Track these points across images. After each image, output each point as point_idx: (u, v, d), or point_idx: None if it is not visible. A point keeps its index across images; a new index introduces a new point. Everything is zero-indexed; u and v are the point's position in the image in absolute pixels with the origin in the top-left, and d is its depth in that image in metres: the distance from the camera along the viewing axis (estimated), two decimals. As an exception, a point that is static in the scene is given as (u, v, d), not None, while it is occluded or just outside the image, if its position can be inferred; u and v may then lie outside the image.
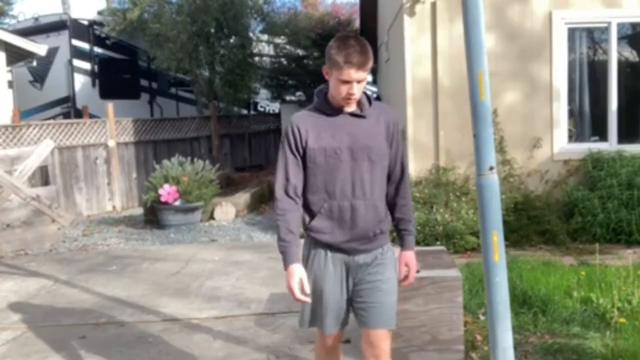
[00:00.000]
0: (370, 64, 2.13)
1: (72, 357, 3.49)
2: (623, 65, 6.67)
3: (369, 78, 7.41)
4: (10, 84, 10.67)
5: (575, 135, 6.67)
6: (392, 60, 8.22)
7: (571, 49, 6.51)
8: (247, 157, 13.24)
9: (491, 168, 2.12)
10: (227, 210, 8.19)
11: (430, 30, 6.33)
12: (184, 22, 10.90)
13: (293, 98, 14.46)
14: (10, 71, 10.88)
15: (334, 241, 2.21)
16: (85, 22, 11.60)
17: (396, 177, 2.29)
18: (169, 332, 3.80)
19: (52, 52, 10.89)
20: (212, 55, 11.72)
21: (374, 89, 13.12)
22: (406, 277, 2.34)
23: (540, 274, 4.53)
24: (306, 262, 2.25)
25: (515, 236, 5.64)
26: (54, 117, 11.01)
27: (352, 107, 2.19)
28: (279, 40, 13.66)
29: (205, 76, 12.04)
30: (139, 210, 9.01)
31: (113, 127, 9.46)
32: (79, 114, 10.63)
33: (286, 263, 2.16)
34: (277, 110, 15.11)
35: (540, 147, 6.36)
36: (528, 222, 5.80)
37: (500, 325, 2.14)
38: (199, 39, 11.26)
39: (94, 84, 11.62)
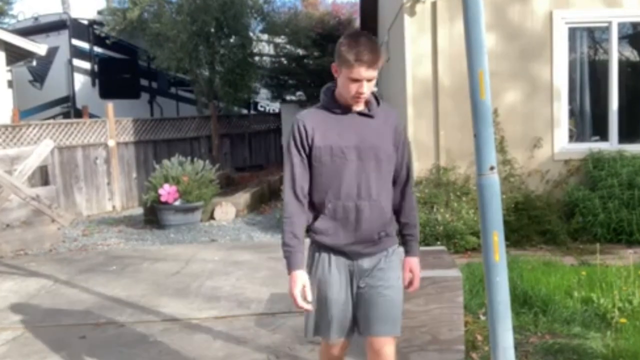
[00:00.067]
0: (381, 63, 2.10)
1: (72, 357, 3.48)
2: (624, 65, 6.66)
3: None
4: (10, 84, 10.66)
5: (576, 135, 6.66)
6: (393, 60, 8.21)
7: (572, 48, 6.50)
8: (247, 157, 13.24)
9: (492, 168, 2.11)
10: (227, 210, 8.18)
11: (431, 30, 6.32)
12: (184, 21, 10.90)
13: (293, 98, 14.46)
14: (10, 71, 10.87)
15: (337, 243, 2.16)
16: (85, 22, 11.59)
17: (402, 181, 2.26)
18: (169, 332, 3.80)
19: (52, 51, 10.89)
20: (212, 54, 11.71)
21: (375, 88, 13.11)
22: (411, 283, 2.30)
23: (540, 274, 4.52)
24: (310, 268, 2.21)
25: (515, 236, 5.63)
26: (53, 117, 11.01)
27: (360, 106, 2.15)
28: (279, 39, 13.66)
29: (205, 76, 12.04)
30: (139, 210, 9.01)
31: (113, 127, 9.45)
32: (78, 113, 10.62)
33: (290, 269, 2.13)
34: (277, 110, 15.11)
35: (541, 147, 6.35)
36: (529, 222, 5.79)
37: (501, 325, 2.14)
38: (199, 39, 11.25)
39: (93, 84, 11.62)
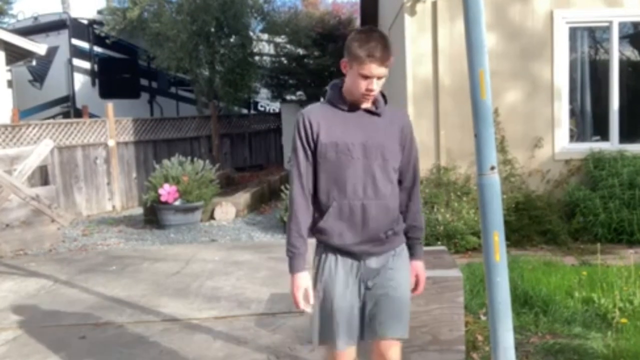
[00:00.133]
0: (392, 60, 2.06)
1: (72, 357, 3.48)
2: (624, 64, 6.66)
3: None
4: (10, 84, 10.66)
5: (577, 134, 6.66)
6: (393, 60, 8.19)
7: (572, 48, 6.49)
8: (247, 156, 13.24)
9: (492, 168, 2.11)
10: (227, 210, 8.18)
11: (431, 30, 6.32)
12: (184, 21, 10.89)
13: (293, 97, 14.45)
14: (10, 70, 10.87)
15: (343, 244, 2.11)
16: (85, 22, 11.59)
17: (409, 183, 2.22)
18: (169, 332, 3.79)
19: (52, 51, 10.89)
20: (212, 54, 11.71)
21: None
22: (416, 287, 2.27)
23: (541, 274, 4.52)
24: (317, 270, 2.16)
25: (516, 236, 5.62)
26: (53, 117, 11.01)
27: (367, 104, 2.12)
28: (280, 39, 13.65)
29: (206, 75, 12.04)
30: (138, 210, 9.00)
31: (113, 127, 9.45)
32: (78, 113, 10.62)
33: (292, 270, 2.10)
34: (277, 110, 15.10)
35: (542, 147, 6.34)
36: (529, 222, 5.78)
37: (502, 325, 2.13)
38: (199, 38, 11.25)
39: (93, 84, 11.62)
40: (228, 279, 4.96)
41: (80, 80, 11.42)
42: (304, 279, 2.10)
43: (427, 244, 5.22)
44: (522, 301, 3.96)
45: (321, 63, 13.43)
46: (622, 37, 6.59)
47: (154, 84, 12.92)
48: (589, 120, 6.66)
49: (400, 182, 2.20)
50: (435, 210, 5.67)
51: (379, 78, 2.04)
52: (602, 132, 6.54)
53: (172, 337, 3.70)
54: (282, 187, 8.03)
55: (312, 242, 2.17)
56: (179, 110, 13.27)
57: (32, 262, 6.03)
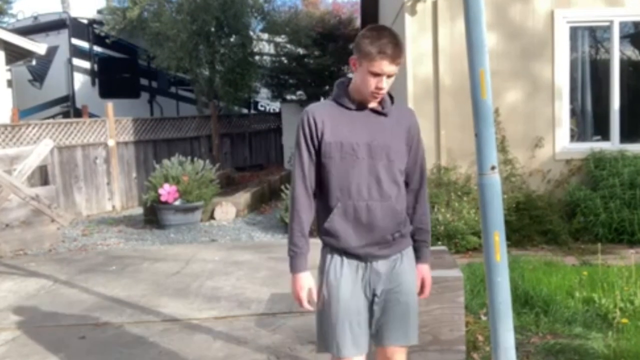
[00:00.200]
0: (403, 59, 2.02)
1: (72, 357, 3.47)
2: (625, 64, 6.65)
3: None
4: (10, 83, 10.66)
5: (578, 134, 6.65)
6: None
7: (573, 47, 6.48)
8: (247, 156, 13.23)
9: (493, 167, 2.09)
10: (227, 210, 8.17)
11: (432, 29, 6.31)
12: (184, 20, 10.89)
13: (294, 97, 14.44)
14: (10, 70, 10.87)
15: (349, 246, 2.05)
16: (85, 21, 11.58)
17: (415, 185, 2.17)
18: (169, 332, 3.78)
19: (52, 51, 10.88)
20: (213, 54, 11.70)
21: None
22: (422, 291, 2.22)
23: (542, 274, 4.51)
24: (322, 273, 2.11)
25: (517, 236, 5.62)
26: (53, 117, 11.01)
27: (374, 103, 2.07)
28: (280, 39, 13.64)
29: (206, 75, 12.03)
30: (138, 210, 9.00)
31: (113, 127, 9.44)
32: (78, 113, 10.61)
33: (294, 270, 2.06)
34: (277, 110, 15.10)
35: (542, 147, 6.34)
36: (530, 222, 5.78)
37: (502, 325, 2.12)
38: (199, 38, 11.24)
39: (93, 83, 11.61)
40: (228, 279, 4.96)
41: (80, 80, 11.41)
42: (307, 279, 2.07)
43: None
44: (522, 301, 3.95)
45: (321, 63, 13.42)
46: (622, 37, 6.58)
47: (154, 84, 12.91)
48: (590, 120, 6.66)
49: (406, 184, 2.15)
50: (435, 210, 5.66)
51: (388, 76, 2.00)
52: (602, 131, 6.54)
53: (172, 337, 3.69)
54: (283, 187, 8.02)
55: (315, 242, 2.13)
56: (179, 110, 13.26)
57: (31, 262, 6.02)
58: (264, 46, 13.90)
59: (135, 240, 7.14)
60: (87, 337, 3.76)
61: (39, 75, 11.83)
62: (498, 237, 2.10)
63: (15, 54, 9.72)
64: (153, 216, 7.89)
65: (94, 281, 5.11)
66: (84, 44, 11.48)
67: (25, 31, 10.70)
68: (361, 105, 2.07)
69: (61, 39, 11.25)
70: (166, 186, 7.59)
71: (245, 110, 14.33)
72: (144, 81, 12.68)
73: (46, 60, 11.22)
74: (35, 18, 11.69)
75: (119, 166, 9.64)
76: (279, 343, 3.50)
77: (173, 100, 13.41)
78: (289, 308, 3.98)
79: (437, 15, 6.27)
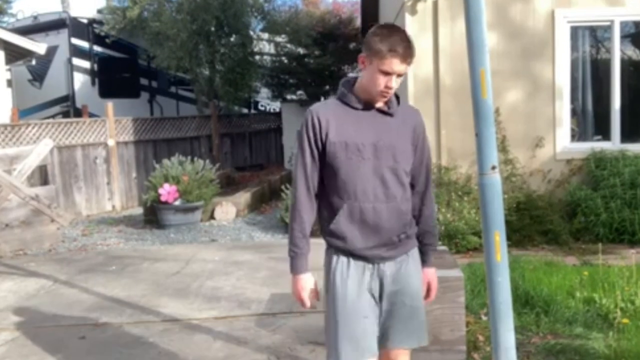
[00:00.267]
0: (413, 59, 1.99)
1: (72, 357, 3.46)
2: (626, 63, 6.65)
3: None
4: (9, 83, 10.65)
5: (578, 134, 6.64)
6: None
7: (574, 47, 6.48)
8: (247, 156, 13.22)
9: (493, 167, 2.09)
10: (227, 209, 8.16)
11: (432, 29, 6.30)
12: (184, 20, 10.87)
13: (294, 97, 14.43)
14: (9, 70, 10.86)
15: (355, 247, 2.02)
16: (85, 21, 11.57)
17: (421, 186, 2.14)
18: (168, 332, 3.77)
19: (52, 50, 10.87)
20: (213, 53, 11.69)
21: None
22: (427, 294, 2.20)
23: (542, 274, 4.51)
24: (327, 275, 2.08)
25: (517, 236, 5.61)
26: (53, 116, 11.00)
27: (380, 103, 2.03)
28: (280, 38, 13.63)
29: (206, 75, 12.02)
30: (138, 210, 8.99)
31: (113, 126, 9.43)
32: (78, 113, 10.61)
33: (295, 271, 2.04)
34: (277, 110, 15.09)
35: (543, 147, 6.33)
36: (530, 222, 5.77)
37: (503, 325, 2.12)
38: (199, 38, 11.23)
39: (93, 83, 11.60)
40: (228, 279, 4.95)
41: (80, 80, 11.40)
42: (308, 280, 2.05)
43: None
44: (523, 301, 3.95)
45: (322, 62, 13.41)
46: (623, 37, 6.58)
47: (154, 84, 12.90)
48: (591, 120, 6.65)
49: (412, 185, 2.12)
50: (436, 210, 5.65)
51: (398, 76, 1.96)
52: (603, 131, 6.53)
53: (172, 337, 3.69)
54: (283, 187, 8.01)
55: (315, 242, 2.11)
56: (179, 110, 13.25)
57: (31, 262, 6.02)
58: (264, 46, 13.89)
59: (135, 240, 7.13)
60: (87, 337, 3.76)
61: (38, 75, 11.82)
62: (498, 237, 2.09)
63: (15, 54, 9.71)
64: (153, 216, 7.88)
65: (93, 281, 5.10)
66: (84, 44, 11.47)
67: (25, 31, 10.69)
68: (367, 105, 2.04)
69: (61, 38, 11.24)
70: (166, 186, 7.59)
71: (245, 110, 14.32)
72: (144, 81, 12.67)
73: (46, 60, 11.21)
74: (35, 18, 11.68)
75: (118, 166, 9.63)
76: (279, 343, 3.49)
77: (173, 100, 13.40)
78: (289, 308, 3.97)
79: (438, 15, 6.27)
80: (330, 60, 13.31)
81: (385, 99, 2.03)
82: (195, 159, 8.27)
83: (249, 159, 13.22)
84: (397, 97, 2.09)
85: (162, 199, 7.56)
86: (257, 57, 13.33)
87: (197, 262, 5.66)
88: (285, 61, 14.22)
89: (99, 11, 11.96)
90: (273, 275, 4.93)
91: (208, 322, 3.94)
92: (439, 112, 6.31)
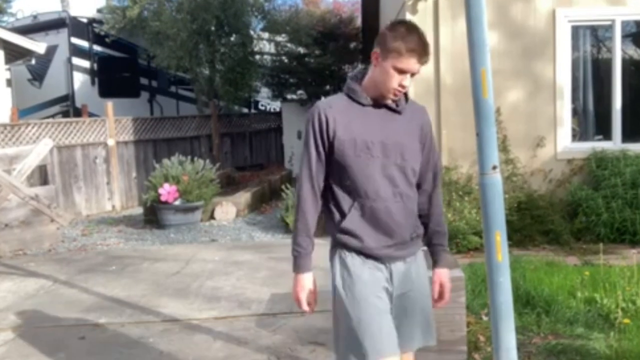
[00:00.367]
0: (429, 59, 1.96)
1: (72, 357, 3.45)
2: (627, 63, 6.64)
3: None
4: (9, 82, 10.64)
5: (579, 134, 6.63)
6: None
7: (575, 47, 6.46)
8: (247, 156, 13.22)
9: (494, 167, 2.07)
10: (227, 209, 8.15)
11: (433, 28, 6.28)
12: (184, 20, 10.86)
13: (294, 97, 14.42)
14: (9, 69, 10.86)
15: (369, 247, 1.97)
16: (85, 20, 11.56)
17: (429, 185, 2.10)
18: (168, 332, 3.77)
19: (51, 50, 10.86)
20: (213, 53, 11.68)
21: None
22: (441, 297, 2.13)
23: (543, 274, 4.50)
24: (338, 275, 2.01)
25: (518, 236, 5.60)
26: (52, 116, 10.99)
27: (388, 100, 1.99)
28: (280, 38, 13.62)
29: (206, 74, 12.01)
30: (138, 210, 8.98)
31: (112, 126, 9.43)
32: (78, 112, 10.60)
33: (297, 270, 2.01)
34: (278, 109, 15.08)
35: (544, 146, 6.32)
36: (531, 222, 5.76)
37: (504, 325, 2.10)
38: (199, 37, 11.22)
39: (93, 83, 11.59)
40: (228, 279, 4.94)
41: (79, 79, 11.39)
42: (309, 280, 2.02)
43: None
44: (524, 301, 3.94)
45: (322, 62, 13.39)
46: (624, 36, 6.57)
47: (154, 83, 12.89)
48: (592, 120, 6.64)
49: (419, 185, 2.08)
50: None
51: (413, 75, 1.94)
52: (604, 131, 6.52)
53: (172, 337, 3.68)
54: (283, 187, 8.00)
55: (318, 243, 2.09)
56: (179, 110, 13.24)
57: (31, 262, 6.01)
58: (265, 45, 13.88)
59: (135, 240, 7.12)
60: (87, 337, 3.75)
61: (38, 75, 11.81)
62: (499, 237, 2.08)
63: (14, 53, 9.70)
64: (153, 216, 7.87)
65: (93, 281, 5.09)
66: (84, 43, 11.46)
67: (24, 30, 10.68)
68: (375, 102, 2.00)
69: (61, 38, 11.23)
70: (166, 186, 7.58)
71: (245, 110, 14.31)
72: (143, 80, 12.66)
73: (46, 59, 11.20)
74: (35, 17, 11.66)
75: (118, 166, 9.62)
76: (279, 343, 3.49)
77: (173, 99, 13.39)
78: (289, 308, 3.96)
79: (439, 14, 6.26)
80: (330, 60, 13.30)
81: (397, 97, 2.00)
82: (196, 158, 8.26)
83: (249, 159, 13.21)
84: (405, 94, 2.06)
85: (162, 198, 7.55)
86: (258, 57, 13.31)
87: (197, 262, 5.65)
88: (286, 61, 14.20)
89: (99, 10, 11.95)
90: (273, 275, 4.92)
91: (208, 322, 3.93)
92: (440, 112, 6.30)
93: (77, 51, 11.33)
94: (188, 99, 13.36)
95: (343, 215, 2.00)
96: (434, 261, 2.15)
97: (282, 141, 13.49)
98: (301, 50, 13.82)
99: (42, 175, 7.33)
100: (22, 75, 11.78)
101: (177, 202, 7.62)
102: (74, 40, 11.28)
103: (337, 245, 2.04)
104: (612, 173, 5.88)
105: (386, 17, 9.33)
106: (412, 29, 1.94)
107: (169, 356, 3.40)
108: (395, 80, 1.93)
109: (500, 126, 6.06)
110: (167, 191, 7.54)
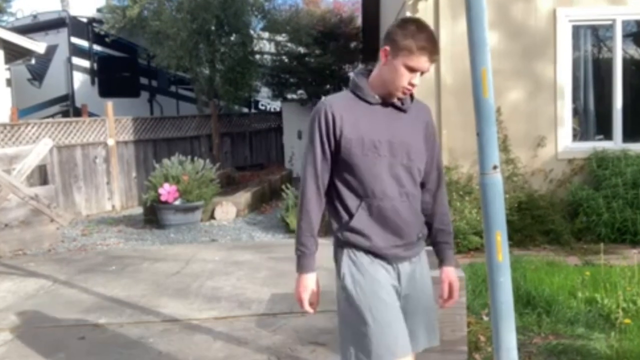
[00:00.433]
0: (438, 57, 1.94)
1: (71, 357, 3.45)
2: (628, 63, 6.63)
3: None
4: (9, 82, 10.64)
5: (580, 134, 6.62)
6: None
7: (575, 46, 6.45)
8: (247, 156, 13.21)
9: (495, 167, 2.07)
10: (227, 209, 8.15)
11: (433, 28, 6.22)
12: (184, 19, 10.86)
13: (294, 96, 14.42)
14: (9, 69, 10.85)
15: (377, 246, 1.95)
16: (85, 20, 11.56)
17: (433, 185, 2.09)
18: (168, 332, 3.76)
19: (51, 49, 10.86)
20: (213, 53, 11.68)
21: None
22: (450, 296, 2.11)
23: (544, 274, 4.49)
24: (347, 275, 1.97)
25: (519, 236, 5.59)
26: (52, 116, 10.99)
27: (395, 99, 1.97)
28: (280, 37, 13.62)
29: (206, 74, 12.00)
30: (138, 210, 8.98)
31: (112, 126, 9.42)
32: (78, 112, 10.60)
33: (301, 270, 1.99)
34: (278, 109, 15.07)
35: (545, 146, 6.31)
36: (532, 222, 5.75)
37: (504, 325, 2.10)
38: (199, 37, 11.22)
39: (93, 82, 11.58)
40: (228, 279, 4.94)
41: (79, 79, 11.39)
42: (312, 280, 2.00)
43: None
44: (524, 301, 3.93)
45: (322, 62, 13.39)
46: (625, 36, 6.56)
47: (154, 83, 12.89)
48: (592, 119, 6.63)
49: (423, 184, 2.07)
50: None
51: (422, 73, 1.92)
52: (605, 131, 6.51)
53: (172, 337, 3.67)
54: (283, 187, 8.00)
55: (321, 243, 2.07)
56: (179, 109, 13.24)
57: (31, 262, 6.01)
58: (265, 45, 13.87)
59: (135, 240, 7.12)
60: (87, 338, 3.74)
61: (38, 74, 11.81)
62: (500, 237, 2.07)
63: (14, 53, 9.70)
64: (153, 216, 7.87)
65: (93, 281, 5.09)
66: (84, 43, 11.45)
67: (24, 30, 10.67)
68: (381, 100, 1.98)
69: (60, 37, 11.22)
70: (166, 186, 7.57)
71: (245, 110, 14.31)
72: (143, 80, 12.65)
73: (45, 59, 11.20)
74: (35, 17, 11.66)
75: (118, 166, 9.62)
76: (279, 344, 3.48)
77: (173, 99, 13.39)
78: (289, 308, 3.96)
79: (439, 14, 6.25)
80: (331, 60, 13.30)
81: (405, 96, 1.98)
82: (196, 158, 8.26)
83: (249, 159, 13.21)
84: (411, 93, 2.04)
85: (162, 198, 7.55)
86: (258, 56, 13.31)
87: (197, 262, 5.65)
88: (286, 60, 14.20)
89: (99, 10, 11.94)
90: (273, 276, 4.91)
91: (208, 322, 3.93)
92: (440, 112, 6.29)
93: (77, 51, 11.33)
94: (188, 98, 13.35)
95: (350, 215, 1.97)
96: (440, 260, 2.13)
97: (282, 141, 13.49)
98: (301, 49, 13.81)
99: (42, 175, 7.32)
100: (22, 75, 11.77)
101: (177, 202, 7.62)
102: (74, 39, 11.27)
103: (345, 245, 2.00)
104: (612, 173, 5.87)
105: (386, 16, 9.33)
106: (422, 27, 1.92)
107: (169, 356, 3.40)
108: (405, 78, 1.91)
109: (500, 126, 6.05)
110: (167, 191, 7.54)
